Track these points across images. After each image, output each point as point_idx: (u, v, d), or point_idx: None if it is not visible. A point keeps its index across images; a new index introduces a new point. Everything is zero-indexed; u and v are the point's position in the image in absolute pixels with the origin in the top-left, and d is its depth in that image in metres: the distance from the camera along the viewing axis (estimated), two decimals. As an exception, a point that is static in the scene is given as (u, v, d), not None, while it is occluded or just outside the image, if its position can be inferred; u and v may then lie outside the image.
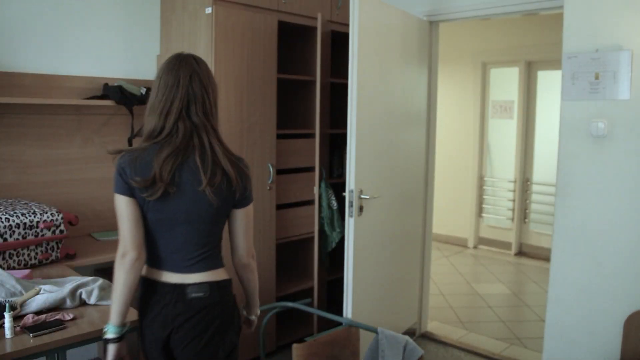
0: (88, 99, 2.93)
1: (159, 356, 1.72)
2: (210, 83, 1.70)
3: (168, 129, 1.64)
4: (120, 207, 1.66)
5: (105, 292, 2.04)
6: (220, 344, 1.72)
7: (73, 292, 1.96)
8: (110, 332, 1.64)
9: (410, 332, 3.68)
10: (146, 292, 1.72)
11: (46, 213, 2.40)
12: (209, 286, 1.68)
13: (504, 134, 6.15)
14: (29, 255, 2.36)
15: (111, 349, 1.64)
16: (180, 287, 1.67)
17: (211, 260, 1.72)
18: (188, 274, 1.68)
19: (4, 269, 2.12)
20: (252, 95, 3.08)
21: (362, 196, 3.01)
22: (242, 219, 1.76)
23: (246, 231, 1.78)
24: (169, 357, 1.73)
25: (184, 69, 1.66)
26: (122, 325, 1.66)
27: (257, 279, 1.88)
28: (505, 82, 6.11)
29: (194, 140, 1.64)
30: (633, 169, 2.44)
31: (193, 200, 1.64)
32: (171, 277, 1.68)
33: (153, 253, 1.71)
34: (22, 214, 2.33)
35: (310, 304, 3.18)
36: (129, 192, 1.65)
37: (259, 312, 2.01)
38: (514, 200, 6.07)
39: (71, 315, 1.85)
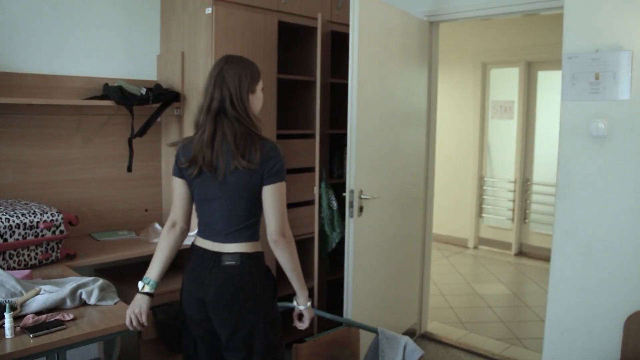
0: (88, 99, 2.93)
1: (195, 313, 1.93)
2: (234, 79, 1.89)
3: (201, 121, 1.91)
4: (174, 187, 1.99)
5: (105, 293, 2.04)
6: (250, 311, 1.89)
7: (73, 293, 1.96)
8: (149, 286, 1.92)
9: (410, 333, 3.68)
10: (192, 256, 1.98)
11: (46, 213, 2.40)
12: (240, 256, 1.89)
13: (504, 134, 6.15)
14: (29, 255, 2.36)
15: (148, 302, 1.90)
16: (217, 255, 1.90)
17: (245, 233, 1.91)
18: (224, 244, 1.91)
19: (4, 269, 2.12)
20: (252, 95, 3.08)
21: (362, 196, 3.01)
22: (268, 196, 1.89)
23: (273, 208, 1.89)
24: (205, 315, 1.92)
25: (213, 70, 1.93)
26: (157, 283, 1.95)
27: (291, 260, 1.95)
28: (506, 83, 6.11)
29: (217, 131, 1.88)
30: (633, 169, 2.44)
31: (223, 180, 1.88)
32: (211, 246, 1.93)
33: (200, 223, 1.99)
34: (22, 214, 2.33)
35: (310, 304, 3.17)
36: (180, 174, 1.95)
37: (308, 303, 2.07)
38: (514, 201, 6.07)
39: (71, 316, 1.85)
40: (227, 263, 1.88)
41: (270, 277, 1.99)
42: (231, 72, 1.89)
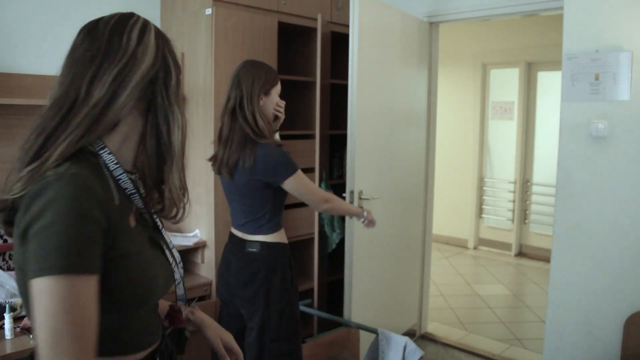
0: (88, 99, 2.93)
1: (223, 293, 2.23)
2: (247, 81, 2.06)
3: (222, 121, 2.12)
4: None
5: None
6: (264, 295, 2.09)
7: (73, 293, 1.95)
8: None
9: (410, 333, 3.68)
10: (227, 243, 2.26)
11: (46, 214, 2.39)
12: (261, 245, 2.12)
13: (504, 135, 6.15)
14: (29, 256, 2.35)
15: None
16: (242, 241, 2.16)
17: (258, 225, 2.13)
18: (247, 233, 2.15)
19: (4, 269, 2.12)
20: (252, 96, 3.08)
21: (363, 197, 3.01)
22: (290, 191, 2.10)
23: (301, 196, 2.15)
24: (230, 294, 2.19)
25: (233, 72, 2.13)
26: None
27: (341, 210, 2.42)
28: (506, 83, 6.11)
29: (230, 130, 2.08)
30: (633, 169, 2.45)
31: (232, 177, 2.09)
32: (239, 234, 2.18)
33: (231, 214, 2.25)
34: (22, 215, 2.33)
35: (311, 305, 3.18)
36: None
37: (365, 212, 2.38)
38: (514, 201, 6.07)
39: (71, 316, 1.84)
40: (249, 249, 2.12)
41: (287, 269, 2.14)
42: (247, 74, 2.07)
